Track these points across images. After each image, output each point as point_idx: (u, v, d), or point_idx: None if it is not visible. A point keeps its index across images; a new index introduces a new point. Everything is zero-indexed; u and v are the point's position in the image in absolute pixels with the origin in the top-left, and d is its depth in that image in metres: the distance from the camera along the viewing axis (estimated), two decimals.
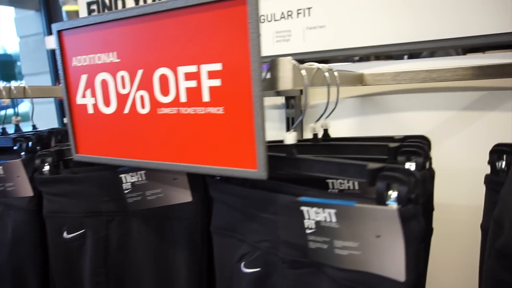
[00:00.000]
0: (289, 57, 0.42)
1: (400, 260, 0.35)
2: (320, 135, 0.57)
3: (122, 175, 0.55)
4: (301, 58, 0.82)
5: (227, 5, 0.40)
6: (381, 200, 0.35)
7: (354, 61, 0.93)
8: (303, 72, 0.42)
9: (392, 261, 0.35)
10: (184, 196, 0.56)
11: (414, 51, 0.80)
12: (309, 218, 0.40)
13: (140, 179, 0.55)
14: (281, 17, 0.83)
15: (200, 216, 0.56)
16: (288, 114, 0.85)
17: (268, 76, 0.43)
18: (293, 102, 0.85)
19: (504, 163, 0.47)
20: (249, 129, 0.41)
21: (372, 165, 0.36)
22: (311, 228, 0.40)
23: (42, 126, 0.82)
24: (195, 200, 0.56)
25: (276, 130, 0.89)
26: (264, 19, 0.85)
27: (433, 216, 0.51)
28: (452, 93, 0.74)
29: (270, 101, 0.90)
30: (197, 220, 0.56)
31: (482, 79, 0.67)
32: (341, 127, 0.82)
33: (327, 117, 0.57)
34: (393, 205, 0.35)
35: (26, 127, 0.83)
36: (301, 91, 0.81)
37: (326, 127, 0.57)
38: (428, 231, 0.49)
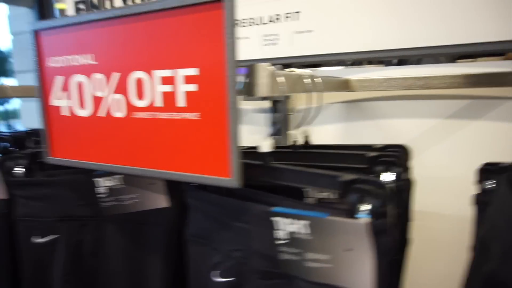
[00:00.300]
0: (266, 63, 0.41)
1: (370, 274, 0.34)
2: (302, 142, 0.57)
3: (98, 179, 0.54)
4: (288, 62, 0.82)
5: (204, 9, 0.39)
6: (352, 213, 0.34)
7: (347, 65, 0.92)
8: (280, 79, 0.42)
9: (362, 275, 0.35)
10: (161, 201, 0.55)
11: (403, 57, 0.79)
12: (280, 229, 0.39)
13: (116, 183, 0.54)
14: (269, 21, 0.82)
15: (177, 222, 0.55)
16: (275, 118, 0.84)
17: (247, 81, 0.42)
18: (280, 106, 0.84)
19: (492, 182, 0.46)
20: (223, 136, 0.40)
21: (344, 177, 0.35)
22: (282, 239, 0.39)
23: (35, 124, 0.80)
24: (173, 205, 0.55)
25: (262, 134, 0.88)
26: (252, 22, 0.84)
27: (410, 227, 0.50)
28: (440, 101, 0.74)
29: (257, 104, 0.89)
30: (174, 226, 0.55)
31: (468, 87, 0.67)
32: (327, 133, 0.81)
33: (310, 123, 0.56)
34: (363, 218, 0.34)
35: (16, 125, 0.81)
36: (288, 95, 0.81)
37: (306, 134, 0.56)
38: (403, 242, 0.49)
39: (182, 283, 0.53)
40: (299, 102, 0.85)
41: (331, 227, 0.35)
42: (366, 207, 0.34)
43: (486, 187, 0.47)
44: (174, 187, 0.55)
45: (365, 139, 0.79)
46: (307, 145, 0.57)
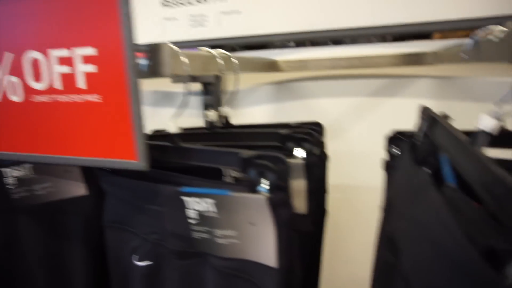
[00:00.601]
0: (168, 43, 0.40)
1: (272, 246, 0.35)
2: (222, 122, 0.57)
3: (5, 170, 0.50)
4: (218, 44, 0.81)
5: None
6: (253, 188, 0.35)
7: (290, 47, 0.92)
8: (184, 58, 0.41)
9: (265, 248, 0.36)
10: (78, 189, 0.53)
11: (334, 38, 0.81)
12: (191, 208, 0.39)
13: (25, 173, 0.51)
14: (196, 1, 0.80)
15: (98, 210, 0.54)
16: (206, 101, 0.83)
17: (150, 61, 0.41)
18: (211, 88, 0.83)
19: (398, 148, 0.48)
20: (127, 118, 0.39)
21: (244, 153, 0.35)
22: (193, 218, 0.39)
23: None
24: (92, 193, 0.54)
25: (194, 117, 0.87)
26: (178, 3, 0.81)
27: (326, 199, 0.53)
28: (364, 80, 0.77)
29: (188, 87, 0.87)
30: (95, 214, 0.53)
31: (388, 67, 0.70)
32: (259, 114, 0.82)
33: (232, 104, 0.56)
34: (263, 193, 0.35)
35: None
36: (217, 77, 0.80)
37: (226, 114, 0.56)
38: (320, 214, 0.51)
39: (105, 271, 0.51)
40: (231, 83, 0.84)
41: (235, 203, 0.36)
42: (266, 182, 0.35)
43: (393, 153, 0.50)
44: (92, 174, 0.53)
45: (295, 119, 0.80)
46: (225, 125, 0.57)
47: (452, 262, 0.23)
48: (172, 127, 0.41)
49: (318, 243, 0.51)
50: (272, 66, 0.74)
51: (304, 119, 0.60)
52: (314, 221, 0.48)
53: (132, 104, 0.38)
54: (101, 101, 0.40)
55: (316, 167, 0.48)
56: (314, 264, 0.51)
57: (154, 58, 0.40)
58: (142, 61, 0.40)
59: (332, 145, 0.76)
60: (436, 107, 0.72)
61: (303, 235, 0.45)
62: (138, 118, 0.38)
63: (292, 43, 0.90)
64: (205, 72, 0.47)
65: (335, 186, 0.73)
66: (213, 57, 0.48)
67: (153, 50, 0.40)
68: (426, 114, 0.35)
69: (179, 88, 0.88)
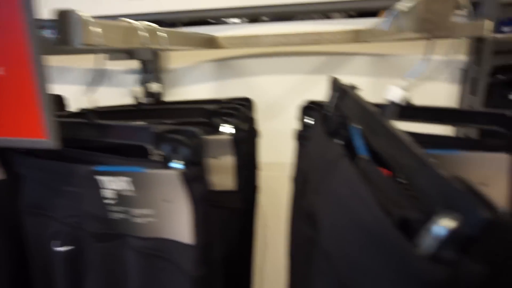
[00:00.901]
0: (78, 10, 0.37)
1: (188, 223, 0.35)
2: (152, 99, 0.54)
3: None
4: (157, 19, 0.77)
5: None
6: (166, 163, 0.34)
7: (233, 23, 0.89)
8: (95, 29, 0.38)
9: (181, 225, 0.35)
10: None
11: (276, 14, 0.80)
12: (107, 188, 0.37)
13: None
14: None
15: (16, 195, 0.50)
16: (145, 79, 0.80)
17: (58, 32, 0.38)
18: (149, 66, 0.79)
19: (311, 118, 0.48)
20: (33, 92, 0.36)
21: (157, 128, 0.34)
22: (110, 198, 0.38)
23: None
24: (10, 177, 0.50)
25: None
26: None
27: (256, 175, 0.53)
28: (305, 57, 0.77)
29: (126, 64, 0.83)
30: (14, 200, 0.50)
31: (327, 44, 0.70)
32: (199, 92, 0.80)
33: (164, 81, 0.54)
34: (176, 168, 0.34)
35: None
36: (154, 53, 0.77)
37: (155, 91, 0.54)
38: (250, 190, 0.51)
39: (25, 259, 0.49)
40: (173, 61, 0.81)
41: (150, 180, 0.35)
42: (179, 157, 0.34)
43: (306, 123, 0.49)
44: (10, 158, 0.49)
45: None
46: (155, 102, 0.55)
47: (369, 234, 0.23)
48: (87, 104, 0.39)
49: (250, 219, 0.51)
50: (211, 43, 0.72)
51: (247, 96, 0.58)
52: (244, 197, 0.48)
53: (38, 79, 0.35)
54: (4, 73, 0.36)
55: (244, 142, 0.47)
56: (246, 240, 0.51)
57: (61, 27, 0.37)
58: (48, 31, 0.37)
59: (271, 123, 0.77)
60: (371, 84, 0.74)
61: (232, 211, 0.44)
62: (44, 93, 0.35)
63: (237, 19, 0.88)
64: (126, 44, 0.44)
65: (272, 163, 0.74)
66: (135, 28, 0.45)
67: (59, 19, 0.37)
68: (336, 86, 0.36)
69: (118, 66, 0.84)
